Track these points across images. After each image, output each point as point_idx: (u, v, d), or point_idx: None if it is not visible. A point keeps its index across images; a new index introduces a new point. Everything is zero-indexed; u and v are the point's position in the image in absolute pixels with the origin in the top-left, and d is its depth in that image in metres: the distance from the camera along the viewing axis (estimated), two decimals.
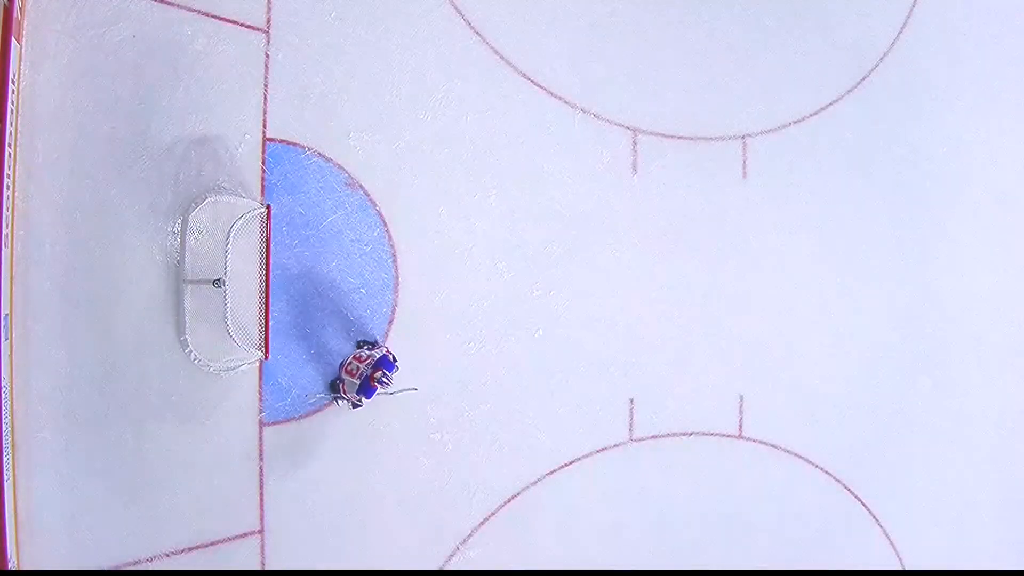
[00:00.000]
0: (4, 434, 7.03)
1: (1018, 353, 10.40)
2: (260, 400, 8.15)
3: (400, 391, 8.02)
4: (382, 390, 7.78)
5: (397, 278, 8.59)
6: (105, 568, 7.62)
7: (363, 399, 7.90)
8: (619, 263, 9.25)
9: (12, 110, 7.02)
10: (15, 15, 7.00)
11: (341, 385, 8.06)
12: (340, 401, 8.22)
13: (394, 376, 7.80)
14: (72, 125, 7.52)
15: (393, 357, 7.95)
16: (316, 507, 8.31)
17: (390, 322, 8.56)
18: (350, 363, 7.94)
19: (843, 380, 9.90)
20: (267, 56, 8.13)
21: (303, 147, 8.25)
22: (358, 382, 7.78)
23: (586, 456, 9.16)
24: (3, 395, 7.05)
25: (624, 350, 9.26)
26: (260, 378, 8.14)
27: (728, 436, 9.59)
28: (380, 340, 8.42)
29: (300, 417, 8.26)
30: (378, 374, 7.68)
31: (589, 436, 9.16)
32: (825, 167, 9.84)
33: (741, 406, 9.62)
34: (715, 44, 9.52)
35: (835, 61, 9.86)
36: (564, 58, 9.05)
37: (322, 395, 8.24)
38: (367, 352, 7.99)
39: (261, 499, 8.14)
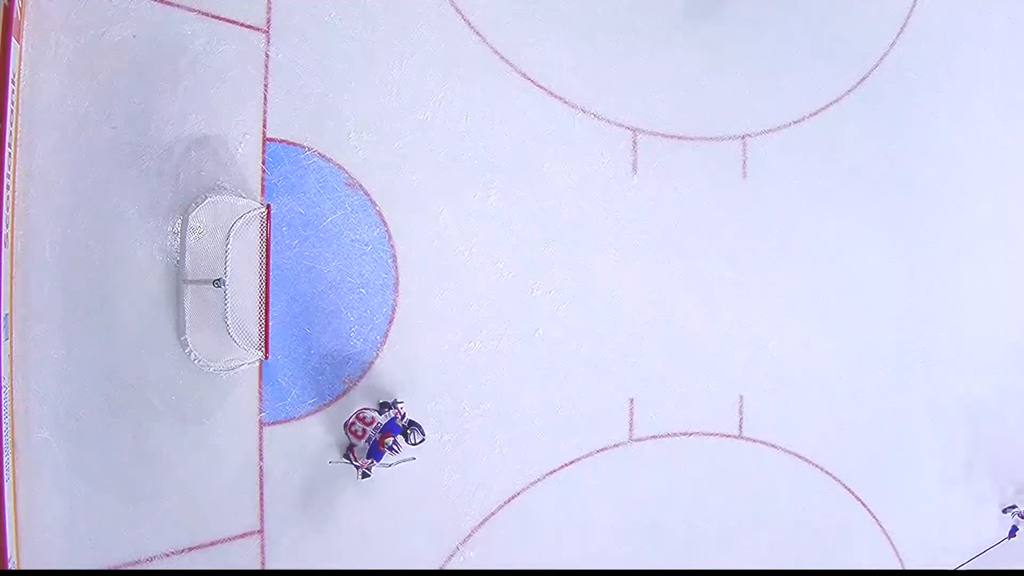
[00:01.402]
0: (4, 434, 7.03)
1: (1018, 352, 10.40)
2: (260, 400, 8.15)
3: (398, 463, 8.07)
4: (389, 456, 7.82)
5: (397, 278, 8.59)
6: (105, 568, 7.62)
7: (373, 463, 7.94)
8: (619, 263, 9.25)
9: (12, 110, 7.02)
10: (15, 15, 7.00)
11: (352, 451, 8.09)
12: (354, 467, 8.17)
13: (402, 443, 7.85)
14: (72, 125, 7.51)
15: (405, 421, 7.96)
16: (316, 507, 8.31)
17: (390, 322, 8.56)
18: (354, 424, 7.99)
19: (843, 380, 9.90)
20: (267, 56, 8.13)
21: (303, 147, 8.25)
22: (367, 446, 7.83)
23: (586, 456, 9.16)
24: (3, 395, 7.05)
25: (624, 350, 9.26)
26: (260, 378, 8.14)
27: (728, 436, 9.59)
28: (396, 400, 8.42)
29: (300, 417, 8.26)
30: (388, 440, 7.72)
31: (589, 436, 9.16)
32: (825, 167, 9.84)
33: (741, 406, 9.62)
34: (715, 44, 9.52)
35: (835, 61, 9.87)
36: (564, 58, 9.05)
37: (342, 461, 8.22)
38: (371, 414, 8.02)
39: (261, 499, 8.14)
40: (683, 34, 9.44)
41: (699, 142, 9.48)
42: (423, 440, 7.94)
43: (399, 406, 8.20)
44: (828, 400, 9.85)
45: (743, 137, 9.60)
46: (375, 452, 7.79)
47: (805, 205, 9.79)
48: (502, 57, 8.87)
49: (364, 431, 7.84)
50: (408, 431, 7.86)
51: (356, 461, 8.05)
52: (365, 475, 8.12)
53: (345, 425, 8.05)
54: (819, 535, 9.81)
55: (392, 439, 7.71)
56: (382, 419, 7.95)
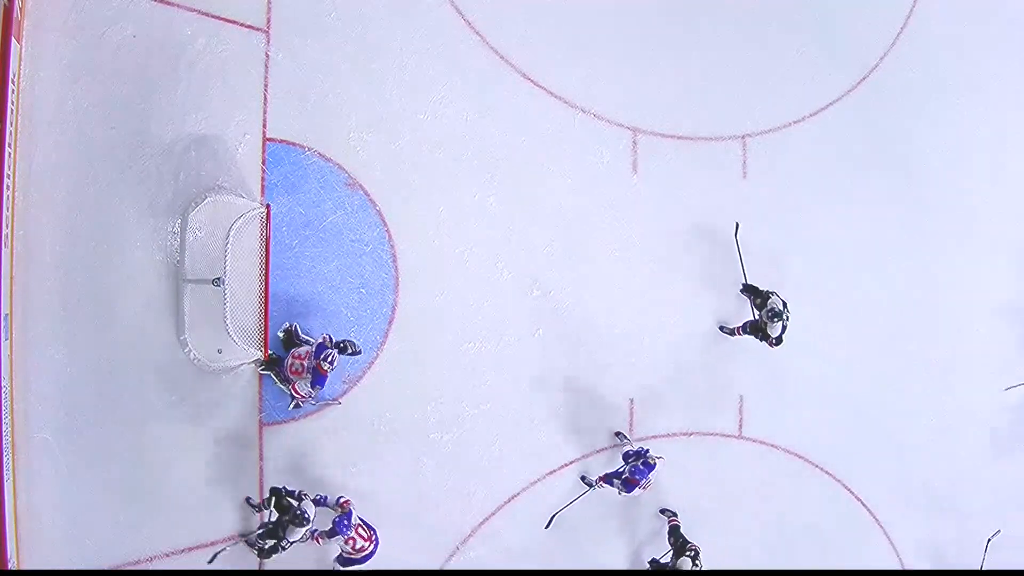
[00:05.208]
0: (4, 434, 7.03)
1: (1018, 352, 10.40)
2: (260, 400, 8.15)
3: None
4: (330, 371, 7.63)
5: (397, 278, 8.59)
6: (105, 568, 7.61)
7: (318, 389, 7.76)
8: (619, 263, 9.25)
9: (12, 110, 7.02)
10: (15, 15, 7.01)
11: (294, 387, 7.88)
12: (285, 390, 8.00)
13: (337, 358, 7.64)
14: (72, 125, 7.51)
15: (332, 343, 7.65)
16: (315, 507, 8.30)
17: (390, 322, 8.56)
18: (293, 364, 7.79)
19: (843, 380, 9.90)
20: (267, 56, 8.13)
21: (303, 147, 8.25)
22: (310, 376, 7.66)
23: (586, 456, 9.16)
24: (3, 395, 7.05)
25: (624, 350, 9.26)
26: (260, 378, 8.14)
27: (728, 436, 9.59)
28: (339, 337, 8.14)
29: (300, 417, 8.26)
30: (324, 363, 7.52)
31: (589, 436, 9.16)
32: (825, 167, 9.85)
33: (741, 406, 9.62)
34: (715, 44, 9.52)
35: (835, 61, 9.87)
36: (564, 58, 9.05)
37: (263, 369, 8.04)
38: (303, 349, 7.80)
39: (261, 499, 8.14)
40: (683, 34, 9.45)
41: (699, 142, 9.48)
42: (359, 352, 7.81)
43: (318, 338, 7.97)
44: (828, 400, 9.84)
45: (743, 137, 9.61)
46: (319, 378, 7.64)
47: (805, 205, 9.79)
48: (502, 57, 8.87)
49: (303, 366, 7.74)
50: (342, 345, 7.66)
51: (300, 397, 7.89)
52: (298, 407, 8.06)
53: (287, 369, 7.88)
54: (819, 535, 9.80)
55: (325, 356, 7.50)
56: (311, 346, 7.75)
